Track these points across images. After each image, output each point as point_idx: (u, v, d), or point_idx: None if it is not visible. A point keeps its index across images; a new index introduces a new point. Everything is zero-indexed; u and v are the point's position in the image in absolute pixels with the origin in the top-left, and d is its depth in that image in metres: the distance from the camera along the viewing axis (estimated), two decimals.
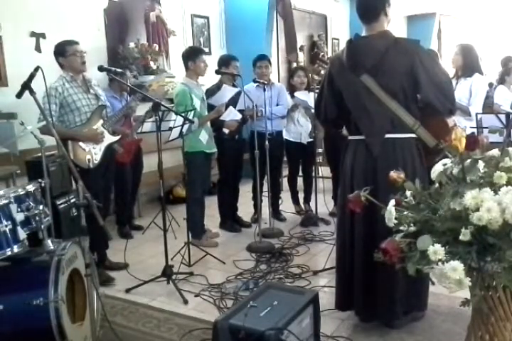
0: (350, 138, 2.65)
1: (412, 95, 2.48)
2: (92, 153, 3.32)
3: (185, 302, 3.03)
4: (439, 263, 1.44)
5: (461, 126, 3.64)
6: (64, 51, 3.25)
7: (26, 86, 2.25)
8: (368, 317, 2.62)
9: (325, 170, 5.02)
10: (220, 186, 4.54)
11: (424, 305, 2.67)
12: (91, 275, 2.19)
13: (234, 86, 4.13)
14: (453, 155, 1.68)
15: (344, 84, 2.56)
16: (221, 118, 4.10)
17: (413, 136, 2.50)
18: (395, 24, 10.15)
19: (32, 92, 2.24)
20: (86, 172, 3.12)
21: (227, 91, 4.04)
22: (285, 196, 4.97)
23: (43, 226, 2.31)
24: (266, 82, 4.14)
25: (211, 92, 4.13)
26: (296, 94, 4.49)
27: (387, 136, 2.47)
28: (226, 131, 4.22)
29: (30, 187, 2.37)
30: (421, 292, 2.62)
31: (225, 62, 4.31)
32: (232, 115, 4.13)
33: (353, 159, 2.57)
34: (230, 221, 4.56)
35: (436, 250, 1.45)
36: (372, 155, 2.48)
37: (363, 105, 2.49)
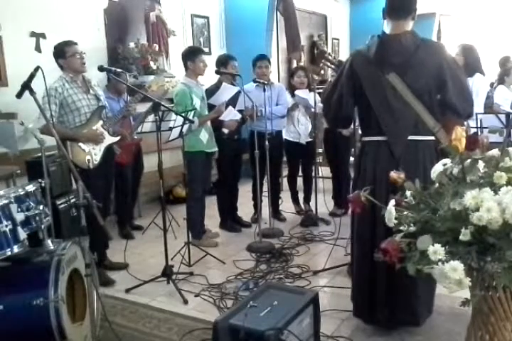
0: (367, 139, 2.57)
1: (435, 97, 2.45)
2: (92, 154, 3.31)
3: (185, 302, 3.03)
4: (439, 263, 1.43)
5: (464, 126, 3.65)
6: (63, 52, 3.24)
7: (26, 86, 2.25)
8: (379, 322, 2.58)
9: (325, 170, 5.02)
10: (219, 186, 4.54)
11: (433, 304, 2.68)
12: (91, 275, 2.19)
13: (233, 85, 4.12)
14: (453, 155, 1.68)
15: (368, 82, 2.48)
16: (220, 118, 4.09)
17: (433, 138, 2.47)
18: None
19: (32, 92, 2.25)
20: (86, 173, 3.12)
21: (227, 90, 4.03)
22: (285, 196, 4.97)
23: (43, 226, 2.31)
24: (266, 82, 4.14)
25: (210, 92, 4.12)
26: (296, 92, 4.49)
27: (410, 137, 2.43)
28: (225, 131, 4.21)
29: (30, 187, 2.37)
30: (432, 297, 2.63)
31: (222, 62, 4.31)
32: (231, 115, 4.13)
33: (375, 161, 2.49)
34: (230, 221, 4.56)
35: (436, 250, 1.44)
36: (394, 156, 2.44)
37: (388, 104, 2.43)
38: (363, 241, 2.56)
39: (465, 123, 3.68)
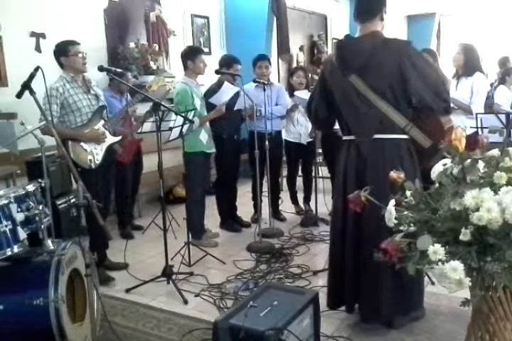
0: (343, 138, 2.69)
1: (402, 95, 2.46)
2: (94, 154, 3.32)
3: (185, 302, 3.03)
4: (439, 263, 1.44)
5: (462, 126, 3.65)
6: (66, 51, 3.25)
7: (26, 86, 2.26)
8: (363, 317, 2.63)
9: (325, 170, 5.01)
10: (218, 186, 4.54)
11: (419, 304, 2.66)
12: (91, 275, 2.19)
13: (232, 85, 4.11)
14: (453, 155, 1.68)
15: (335, 85, 2.59)
16: (218, 95, 3.96)
17: (403, 136, 2.50)
18: (395, 24, 10.16)
19: (32, 92, 2.25)
20: (87, 173, 3.13)
21: (229, 90, 4.01)
22: (285, 196, 4.97)
23: (43, 226, 2.31)
24: (265, 82, 4.14)
25: (212, 91, 4.11)
26: (296, 93, 4.49)
27: (376, 136, 2.49)
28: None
29: (30, 187, 2.37)
30: (412, 293, 2.62)
31: (227, 63, 4.29)
32: (229, 91, 3.99)
33: (346, 159, 2.60)
34: (230, 221, 4.56)
35: (436, 250, 1.44)
36: (362, 154, 2.51)
37: (353, 105, 2.51)
38: (336, 237, 2.65)
39: (459, 120, 3.69)
